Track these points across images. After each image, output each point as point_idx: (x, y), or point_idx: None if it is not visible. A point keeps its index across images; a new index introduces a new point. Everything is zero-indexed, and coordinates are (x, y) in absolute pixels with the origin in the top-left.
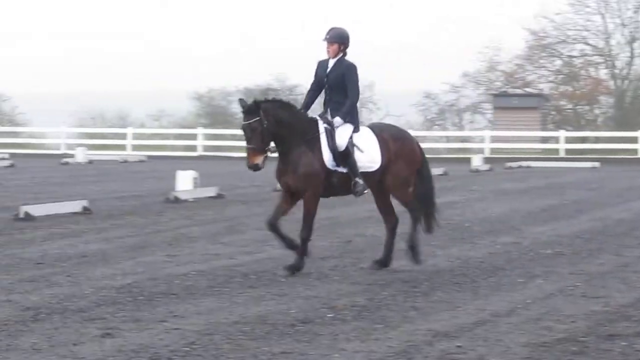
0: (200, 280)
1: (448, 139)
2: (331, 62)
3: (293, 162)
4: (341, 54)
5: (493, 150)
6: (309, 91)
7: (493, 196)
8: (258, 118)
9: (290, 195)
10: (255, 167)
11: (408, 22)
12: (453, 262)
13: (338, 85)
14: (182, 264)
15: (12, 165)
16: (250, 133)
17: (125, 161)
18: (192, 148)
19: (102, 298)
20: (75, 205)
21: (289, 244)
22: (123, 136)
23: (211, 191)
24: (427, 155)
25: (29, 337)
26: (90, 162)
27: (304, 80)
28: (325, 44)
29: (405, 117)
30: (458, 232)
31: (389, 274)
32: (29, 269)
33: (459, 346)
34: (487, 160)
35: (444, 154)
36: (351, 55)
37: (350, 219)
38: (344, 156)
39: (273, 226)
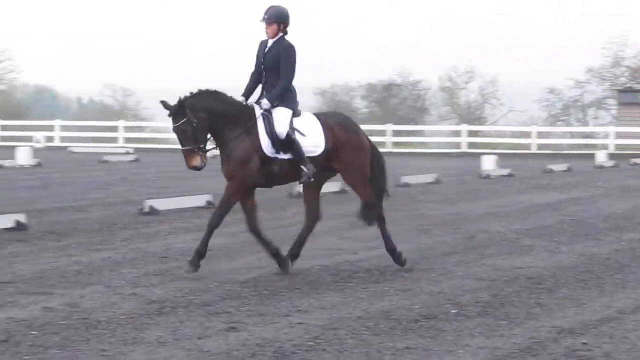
0: (324, 275)
1: (572, 135)
2: (270, 42)
3: (231, 151)
4: (281, 34)
5: (618, 147)
6: (251, 75)
7: (618, 193)
8: (185, 119)
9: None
10: (196, 169)
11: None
12: (578, 259)
13: (274, 67)
14: (306, 259)
15: (137, 160)
16: (182, 135)
17: None
18: None
19: (226, 292)
20: (199, 200)
21: (272, 252)
22: None
23: (334, 186)
24: (550, 152)
25: (154, 331)
26: (214, 157)
27: (428, 75)
28: (263, 25)
29: (529, 112)
30: (582, 228)
31: (513, 271)
32: (154, 263)
33: (584, 343)
34: (611, 156)
35: (568, 150)
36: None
37: (474, 214)
38: (287, 144)
39: (256, 234)
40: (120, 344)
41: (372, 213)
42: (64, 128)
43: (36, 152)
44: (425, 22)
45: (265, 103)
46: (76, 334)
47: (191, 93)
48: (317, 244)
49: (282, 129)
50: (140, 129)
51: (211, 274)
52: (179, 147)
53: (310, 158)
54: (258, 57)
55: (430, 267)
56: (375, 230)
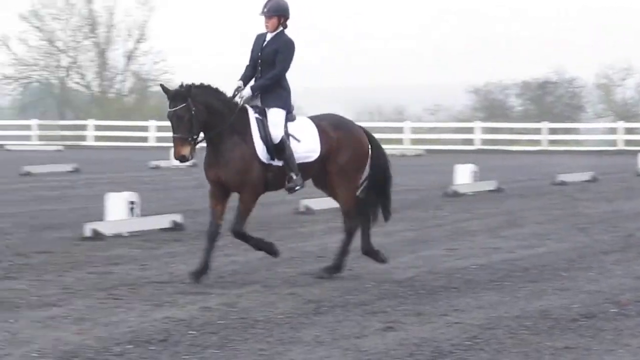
0: (480, 274)
1: None
2: (269, 36)
3: (225, 154)
4: (281, 28)
5: None
6: (246, 67)
7: None
8: (185, 104)
9: (221, 193)
10: (183, 159)
11: None
12: None
13: (271, 61)
14: (462, 258)
15: None
16: (176, 121)
17: (403, 155)
18: (470, 142)
19: (383, 292)
20: None
21: (256, 244)
22: (400, 130)
23: (490, 185)
24: None
25: (311, 330)
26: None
27: (583, 72)
28: (263, 18)
29: None
30: None
31: None
32: (310, 262)
33: None
34: None
35: None
36: None
37: (632, 212)
38: (279, 149)
39: (212, 240)
40: (278, 343)
41: (350, 220)
42: None
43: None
44: (579, 16)
45: (247, 91)
46: (234, 333)
47: (193, 83)
48: (474, 243)
49: (276, 133)
50: None
51: (367, 274)
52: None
53: (306, 163)
54: (254, 50)
55: (588, 266)
56: (531, 228)
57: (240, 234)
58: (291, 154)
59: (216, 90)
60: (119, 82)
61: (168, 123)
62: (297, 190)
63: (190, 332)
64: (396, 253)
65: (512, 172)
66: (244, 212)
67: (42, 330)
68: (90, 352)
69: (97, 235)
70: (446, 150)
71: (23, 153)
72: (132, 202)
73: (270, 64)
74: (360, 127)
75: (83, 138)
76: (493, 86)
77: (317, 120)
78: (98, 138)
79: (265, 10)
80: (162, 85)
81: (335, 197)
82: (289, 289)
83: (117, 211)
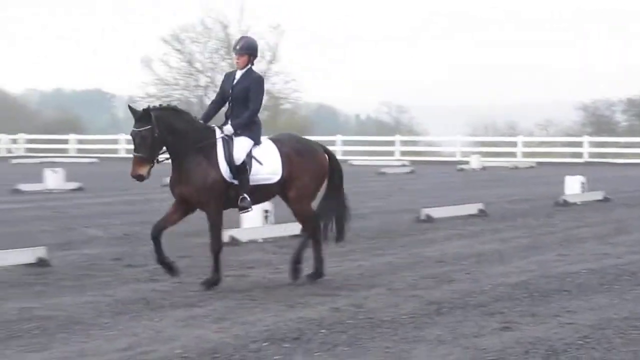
0: (590, 278)
1: None
2: (238, 74)
3: (188, 172)
4: (249, 65)
5: None
6: (212, 102)
7: None
8: (149, 127)
9: (183, 206)
10: (139, 178)
11: None
12: None
13: (243, 97)
14: (573, 263)
15: (412, 172)
16: (139, 141)
17: (516, 167)
18: (579, 155)
19: (499, 294)
20: (472, 208)
21: (161, 259)
22: (513, 144)
23: (598, 195)
24: None
25: (433, 330)
26: (484, 168)
27: None
28: (233, 55)
29: None
30: None
31: None
32: (431, 266)
33: None
34: None
35: None
36: None
37: None
38: (239, 170)
39: (155, 238)
40: (403, 342)
41: (307, 229)
42: (344, 142)
43: None
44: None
45: (228, 129)
46: (361, 332)
47: (160, 105)
48: (584, 249)
49: (239, 155)
50: (415, 143)
51: (485, 277)
52: (448, 158)
53: (267, 185)
54: (224, 87)
55: None
56: (638, 235)
57: (218, 249)
58: (247, 177)
59: (181, 112)
60: None
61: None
62: (248, 211)
63: (321, 331)
64: (510, 258)
65: (619, 183)
66: (215, 228)
67: (185, 328)
68: (229, 349)
69: (234, 241)
70: (556, 162)
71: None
72: (266, 211)
73: (241, 100)
74: (320, 146)
75: None
76: (600, 103)
77: (280, 144)
78: None
79: (237, 48)
80: (129, 106)
81: (293, 213)
82: (412, 292)
83: (253, 219)
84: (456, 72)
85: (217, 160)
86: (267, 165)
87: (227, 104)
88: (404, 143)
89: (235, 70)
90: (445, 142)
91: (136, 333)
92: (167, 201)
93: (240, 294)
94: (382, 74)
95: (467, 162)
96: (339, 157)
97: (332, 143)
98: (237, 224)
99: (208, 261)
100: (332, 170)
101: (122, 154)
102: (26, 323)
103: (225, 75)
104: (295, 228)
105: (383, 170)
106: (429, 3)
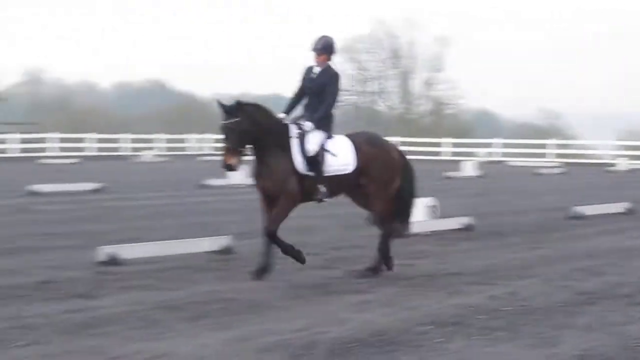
0: None
1: None
2: (317, 70)
3: (268, 166)
4: (328, 62)
5: None
6: (294, 95)
7: None
8: (237, 119)
9: (268, 199)
10: (229, 168)
11: None
12: None
13: (320, 92)
14: None
15: (565, 173)
16: (228, 132)
17: None
18: None
19: None
20: (619, 207)
21: (285, 250)
22: None
23: None
24: None
25: (582, 318)
26: (631, 170)
27: None
28: (313, 53)
29: None
30: None
31: None
32: (581, 260)
33: None
34: None
35: None
36: None
37: None
38: (313, 162)
39: (272, 237)
40: (554, 328)
41: (379, 220)
42: (502, 145)
43: (479, 165)
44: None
45: (309, 125)
46: (516, 318)
47: (245, 101)
48: None
49: (313, 148)
50: (567, 146)
51: (632, 270)
52: (597, 160)
53: (343, 176)
54: (304, 80)
55: None
56: None
57: (272, 236)
58: (322, 168)
59: (264, 108)
60: (418, 106)
61: (462, 140)
62: (324, 201)
63: (479, 316)
64: None
65: None
66: (278, 215)
67: (355, 312)
68: (395, 332)
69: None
70: None
71: None
72: (432, 206)
73: (318, 94)
74: (392, 144)
75: None
76: None
77: (354, 137)
78: None
79: (317, 47)
80: (218, 101)
81: (370, 206)
82: (564, 282)
83: (418, 214)
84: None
85: (292, 153)
86: (341, 156)
87: (306, 97)
88: (558, 146)
89: (314, 66)
90: (598, 145)
91: (311, 315)
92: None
93: (407, 281)
94: (541, 80)
95: (615, 165)
96: (497, 158)
97: (491, 145)
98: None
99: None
100: (404, 168)
101: None
102: (213, 304)
103: (306, 69)
104: (458, 223)
105: (538, 171)
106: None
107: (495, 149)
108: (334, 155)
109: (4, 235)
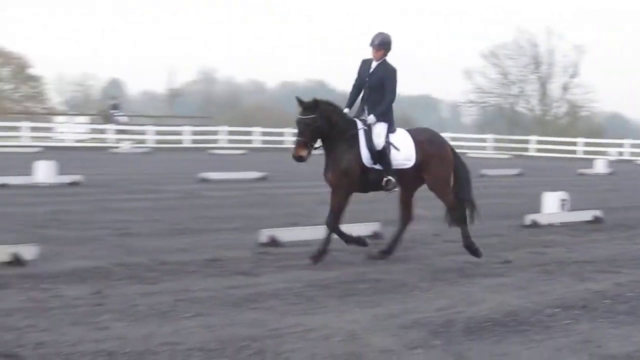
0: None
1: None
2: (374, 64)
3: (334, 160)
4: (384, 58)
5: None
6: (353, 88)
7: None
8: (314, 116)
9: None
10: (300, 159)
11: None
12: None
13: (378, 86)
14: None
15: None
16: (303, 127)
17: None
18: None
19: None
20: None
21: (347, 239)
22: None
23: None
24: None
25: None
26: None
27: None
28: (371, 49)
29: None
30: None
31: None
32: None
33: None
34: None
35: None
36: None
37: None
38: (381, 155)
39: (334, 230)
40: None
41: (454, 215)
42: (632, 145)
43: (610, 163)
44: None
45: (372, 119)
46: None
47: (321, 99)
48: None
49: (379, 141)
50: None
51: None
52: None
53: (403, 170)
54: (361, 74)
55: None
56: None
57: (332, 228)
58: (390, 160)
59: (337, 107)
60: (555, 108)
61: (595, 140)
62: (394, 190)
63: (605, 301)
64: None
65: None
66: (338, 210)
67: (491, 294)
68: (527, 313)
69: (535, 224)
70: None
71: (480, 160)
72: (563, 200)
73: (376, 88)
74: (447, 142)
75: (526, 150)
76: None
77: (414, 133)
78: (538, 150)
79: (375, 43)
80: (297, 98)
81: (439, 198)
82: None
83: (551, 206)
84: None
85: (359, 148)
86: (403, 150)
87: (363, 90)
88: None
89: (372, 60)
90: None
91: (450, 296)
92: (477, 189)
93: (539, 267)
94: None
95: None
96: (627, 157)
97: (621, 145)
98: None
99: (513, 240)
100: (457, 164)
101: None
102: (361, 284)
103: (362, 62)
104: (588, 215)
105: None
106: None
107: (625, 149)
108: (397, 149)
109: (176, 218)
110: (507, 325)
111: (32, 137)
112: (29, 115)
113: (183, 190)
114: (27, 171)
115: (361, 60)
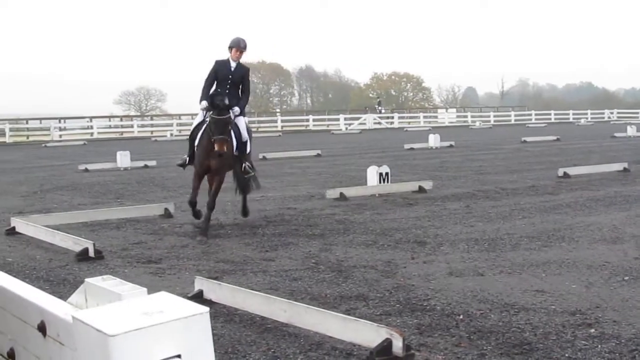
0: None
1: None
2: (233, 64)
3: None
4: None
5: None
6: (207, 85)
7: None
8: (228, 115)
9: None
10: (225, 154)
11: None
12: None
13: (239, 83)
14: None
15: None
16: (224, 127)
17: None
18: None
19: None
20: None
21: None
22: None
23: None
24: None
25: None
26: None
27: None
28: (233, 50)
29: None
30: None
31: None
32: None
33: None
34: None
35: None
36: None
37: None
38: (244, 144)
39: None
40: None
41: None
42: None
43: None
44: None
45: (237, 110)
46: None
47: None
48: None
49: (245, 134)
50: None
51: None
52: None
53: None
54: (221, 72)
55: None
56: None
57: (211, 208)
58: (250, 148)
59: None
60: None
61: None
62: (252, 175)
63: None
64: None
65: None
66: (217, 190)
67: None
68: None
69: None
70: None
71: None
72: None
73: (237, 85)
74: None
75: None
76: None
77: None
78: None
79: (242, 46)
80: (215, 100)
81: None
82: None
83: None
84: None
85: (232, 139)
86: (248, 142)
87: (222, 87)
88: None
89: (229, 60)
90: None
91: None
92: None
93: None
94: None
95: None
96: None
97: None
98: None
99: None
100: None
101: None
102: None
103: (218, 63)
104: None
105: None
106: None
107: None
108: (247, 139)
109: (509, 163)
110: None
111: (425, 122)
112: (424, 109)
113: (512, 148)
114: (424, 140)
115: (215, 60)
